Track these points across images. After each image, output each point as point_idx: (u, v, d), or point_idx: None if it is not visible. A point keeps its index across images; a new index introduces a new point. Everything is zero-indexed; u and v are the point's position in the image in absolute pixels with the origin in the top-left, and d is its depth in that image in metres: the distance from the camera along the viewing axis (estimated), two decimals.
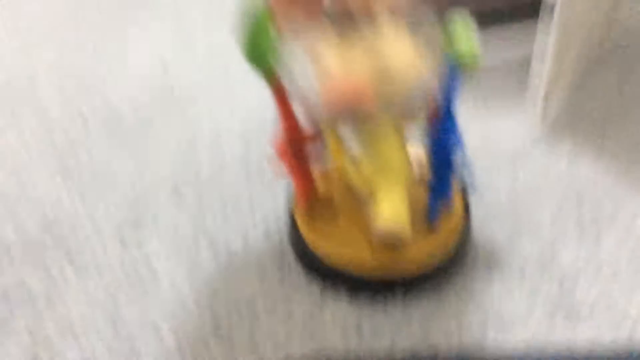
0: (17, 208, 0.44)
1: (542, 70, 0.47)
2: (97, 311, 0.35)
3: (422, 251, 0.34)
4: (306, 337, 0.32)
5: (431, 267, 0.34)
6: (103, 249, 0.40)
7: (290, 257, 0.38)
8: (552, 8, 0.44)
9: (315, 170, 0.36)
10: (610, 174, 0.45)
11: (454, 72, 0.30)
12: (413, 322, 0.33)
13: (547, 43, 0.46)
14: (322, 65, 0.27)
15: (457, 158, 0.33)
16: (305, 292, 0.36)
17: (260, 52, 0.29)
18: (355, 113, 0.27)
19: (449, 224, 0.35)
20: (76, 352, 0.33)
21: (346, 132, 0.31)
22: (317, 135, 0.33)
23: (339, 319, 0.33)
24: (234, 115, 0.54)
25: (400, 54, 0.27)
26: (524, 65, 0.53)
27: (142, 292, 0.36)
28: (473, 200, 0.42)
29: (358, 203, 0.36)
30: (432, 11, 0.28)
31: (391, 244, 0.33)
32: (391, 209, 0.32)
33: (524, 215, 0.41)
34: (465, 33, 0.29)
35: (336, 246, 0.34)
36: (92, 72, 0.64)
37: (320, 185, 0.37)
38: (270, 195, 0.44)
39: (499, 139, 0.50)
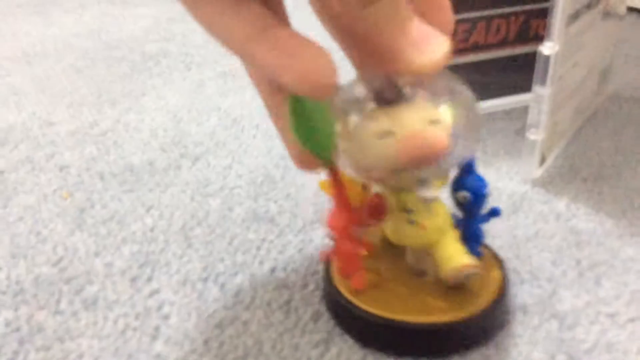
0: (34, 254, 0.45)
1: (538, 119, 0.49)
2: (106, 344, 0.36)
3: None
4: None
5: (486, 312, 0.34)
6: (113, 287, 0.41)
7: (297, 300, 0.39)
8: (547, 60, 0.46)
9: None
10: (609, 218, 0.46)
11: None
12: None
13: (543, 95, 0.47)
14: (379, 126, 0.29)
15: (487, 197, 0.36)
16: (311, 331, 0.36)
17: (318, 138, 0.29)
18: (436, 158, 0.28)
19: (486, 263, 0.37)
20: None
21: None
22: (378, 204, 0.34)
23: (344, 358, 0.34)
24: (243, 170, 0.56)
25: (445, 114, 0.30)
26: (522, 113, 0.55)
27: (150, 327, 0.37)
28: None
29: (399, 254, 0.38)
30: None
31: (457, 284, 0.35)
32: (461, 253, 0.34)
33: (524, 259, 0.41)
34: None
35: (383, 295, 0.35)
36: (108, 131, 0.67)
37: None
38: (281, 244, 0.45)
39: (498, 184, 0.51)
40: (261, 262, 0.43)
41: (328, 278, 0.37)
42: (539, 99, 0.49)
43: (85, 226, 0.48)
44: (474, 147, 0.32)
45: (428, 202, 0.31)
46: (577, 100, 0.57)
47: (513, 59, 0.63)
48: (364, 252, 0.37)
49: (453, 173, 0.36)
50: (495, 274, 0.37)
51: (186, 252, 0.44)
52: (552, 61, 0.47)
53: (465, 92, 0.31)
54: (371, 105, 0.30)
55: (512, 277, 0.40)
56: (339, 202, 0.34)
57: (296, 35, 0.26)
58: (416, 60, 0.26)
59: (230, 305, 0.39)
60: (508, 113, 0.64)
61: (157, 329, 0.37)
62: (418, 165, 0.29)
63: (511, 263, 0.41)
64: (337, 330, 0.36)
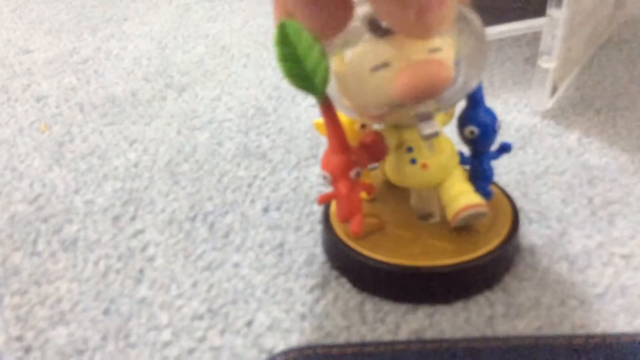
0: (9, 191, 0.42)
1: (552, 46, 0.45)
2: (86, 288, 0.33)
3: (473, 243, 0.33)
4: (307, 324, 0.31)
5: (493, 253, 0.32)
6: (94, 226, 0.38)
7: (291, 242, 0.36)
8: None
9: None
10: (623, 153, 0.43)
11: None
12: (418, 306, 0.32)
13: (557, 19, 0.44)
14: (376, 59, 0.26)
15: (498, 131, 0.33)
16: (306, 275, 0.34)
17: (304, 73, 0.26)
18: (438, 88, 0.25)
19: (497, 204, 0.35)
20: (63, 330, 0.31)
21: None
22: (378, 142, 0.31)
23: (341, 303, 0.32)
24: (233, 102, 0.52)
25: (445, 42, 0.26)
26: (533, 40, 0.51)
27: (134, 270, 0.34)
28: None
29: (403, 198, 0.35)
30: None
31: (464, 225, 0.33)
32: (469, 193, 0.31)
33: (533, 197, 0.39)
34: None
35: (391, 245, 0.33)
36: (89, 59, 0.62)
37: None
38: (273, 181, 0.42)
39: (507, 117, 0.48)
40: (252, 201, 0.40)
41: (326, 222, 0.35)
42: (553, 22, 0.45)
43: (64, 161, 0.45)
44: (480, 77, 0.29)
45: (430, 139, 0.28)
46: (591, 25, 0.53)
47: None
48: (362, 195, 0.34)
49: (459, 107, 0.33)
50: (505, 214, 0.34)
51: (172, 189, 0.41)
52: None
53: (471, 16, 0.27)
54: (366, 36, 0.26)
55: (520, 217, 0.37)
56: (333, 142, 0.30)
57: None
58: None
59: (220, 246, 0.36)
60: (517, 40, 0.60)
61: (141, 271, 0.35)
62: (418, 98, 0.25)
63: (519, 202, 0.38)
64: (334, 274, 0.34)
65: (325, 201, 0.32)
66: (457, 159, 0.32)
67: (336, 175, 0.31)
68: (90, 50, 0.62)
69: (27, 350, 0.30)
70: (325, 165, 0.31)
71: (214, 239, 0.37)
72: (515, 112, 0.48)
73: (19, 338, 0.31)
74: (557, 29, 0.45)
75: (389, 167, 0.33)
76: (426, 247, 0.32)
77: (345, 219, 0.33)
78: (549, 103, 0.48)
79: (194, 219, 0.38)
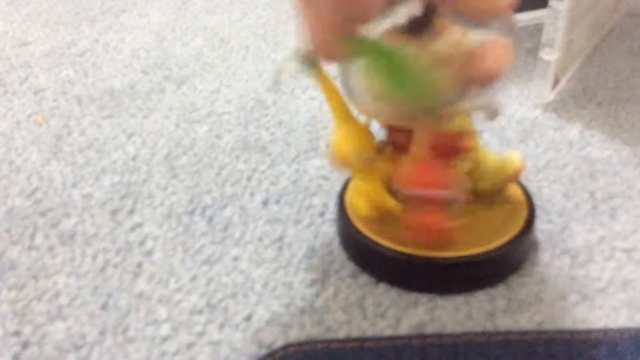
0: (6, 185, 0.42)
1: (553, 37, 0.44)
2: (84, 283, 0.33)
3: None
4: (307, 319, 0.31)
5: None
6: (92, 220, 0.38)
7: (291, 235, 0.36)
8: None
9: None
10: (625, 146, 0.42)
11: None
12: (419, 301, 0.31)
13: (559, 10, 0.43)
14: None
15: None
16: (305, 269, 0.34)
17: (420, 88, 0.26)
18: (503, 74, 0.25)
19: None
20: (61, 325, 0.31)
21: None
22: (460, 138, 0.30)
23: (341, 298, 0.32)
24: (232, 95, 0.52)
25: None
26: (535, 32, 0.51)
27: (132, 264, 0.34)
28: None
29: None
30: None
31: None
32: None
33: (534, 191, 0.38)
34: None
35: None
36: (86, 52, 0.62)
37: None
38: (273, 174, 0.42)
39: (508, 110, 0.47)
40: (252, 194, 0.40)
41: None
42: (555, 14, 0.44)
43: (61, 154, 0.44)
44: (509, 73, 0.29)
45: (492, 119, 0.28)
46: (593, 16, 0.52)
47: None
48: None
49: None
50: (521, 211, 0.34)
51: (171, 182, 0.41)
52: None
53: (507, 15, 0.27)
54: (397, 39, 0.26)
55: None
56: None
57: None
58: None
59: (219, 240, 0.36)
60: (519, 32, 0.59)
61: (139, 265, 0.34)
62: (499, 74, 0.25)
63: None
64: (334, 268, 0.33)
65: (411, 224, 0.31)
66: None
67: (426, 186, 0.29)
68: (88, 42, 0.62)
69: (25, 345, 0.30)
70: (411, 180, 0.30)
71: (213, 233, 0.36)
72: (516, 104, 0.48)
73: (16, 333, 0.30)
74: (559, 20, 0.44)
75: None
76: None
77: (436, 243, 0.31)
78: (551, 95, 0.48)
79: (192, 212, 0.38)
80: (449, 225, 0.31)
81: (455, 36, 0.26)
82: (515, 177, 0.34)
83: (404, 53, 0.25)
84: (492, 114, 0.28)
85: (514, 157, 0.34)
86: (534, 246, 0.34)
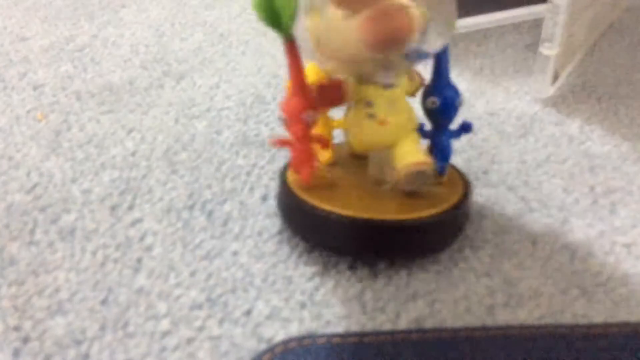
0: (6, 180, 0.42)
1: (553, 32, 0.44)
2: (84, 278, 0.33)
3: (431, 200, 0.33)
4: (307, 313, 0.31)
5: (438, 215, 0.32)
6: (91, 215, 0.38)
7: (290, 230, 0.36)
8: None
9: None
10: (625, 141, 0.43)
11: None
12: (418, 295, 0.31)
13: (559, 5, 0.43)
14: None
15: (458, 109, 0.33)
16: (305, 263, 0.34)
17: (274, 10, 0.27)
18: (403, 38, 0.25)
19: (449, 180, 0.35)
20: (61, 320, 0.31)
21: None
22: (337, 84, 0.31)
23: (341, 292, 0.32)
24: (231, 90, 0.52)
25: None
26: (534, 27, 0.51)
27: (132, 259, 0.34)
28: (482, 173, 0.40)
29: (363, 166, 0.35)
30: None
31: (410, 190, 0.32)
32: (417, 152, 0.32)
33: (534, 186, 0.39)
34: None
35: (344, 198, 0.33)
36: (85, 47, 0.62)
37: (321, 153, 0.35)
38: (272, 170, 0.42)
39: (507, 105, 0.47)
40: (251, 189, 0.40)
41: (282, 178, 0.35)
42: (555, 9, 0.44)
43: (61, 150, 0.44)
44: (447, 35, 0.29)
45: (388, 88, 0.29)
46: (593, 11, 0.52)
47: None
48: (317, 141, 0.34)
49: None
50: (457, 187, 0.34)
51: (170, 178, 0.41)
52: None
53: None
54: None
55: (521, 206, 0.37)
56: (294, 84, 0.31)
57: None
58: None
59: (218, 235, 0.36)
60: (518, 26, 0.59)
61: (139, 260, 0.34)
62: (383, 46, 0.26)
63: (520, 191, 0.38)
64: (333, 262, 0.33)
65: (278, 144, 0.33)
66: (414, 123, 0.32)
67: (291, 116, 0.31)
68: (87, 37, 0.62)
69: (25, 340, 0.30)
70: (283, 106, 0.32)
71: (212, 228, 0.36)
72: (516, 99, 0.48)
73: (17, 328, 0.30)
74: (558, 15, 0.44)
75: (349, 122, 0.33)
76: (376, 203, 0.32)
77: (298, 167, 0.33)
78: (550, 90, 0.48)
79: (192, 207, 0.38)
80: (306, 145, 0.32)
81: None
82: (400, 172, 0.32)
83: None
84: (384, 84, 0.29)
85: (412, 157, 0.32)
86: (531, 239, 0.34)
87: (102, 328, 0.30)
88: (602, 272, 0.32)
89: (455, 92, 0.33)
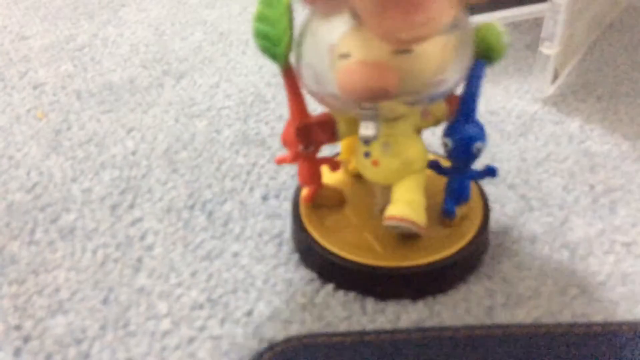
0: (6, 180, 0.42)
1: (553, 31, 0.44)
2: (85, 277, 0.33)
3: (437, 243, 0.32)
4: (307, 314, 0.31)
5: (447, 259, 0.31)
6: (92, 215, 0.38)
7: (291, 231, 0.36)
8: None
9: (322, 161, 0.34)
10: (625, 140, 0.43)
11: (479, 67, 0.28)
12: (418, 298, 0.31)
13: (560, 4, 0.43)
14: (342, 47, 0.25)
15: (477, 154, 0.30)
16: (305, 266, 0.34)
17: (273, 39, 0.28)
18: (376, 95, 0.24)
19: (467, 215, 0.33)
20: (62, 319, 0.31)
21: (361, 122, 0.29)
22: (329, 124, 0.31)
23: (341, 294, 0.32)
24: (231, 89, 0.52)
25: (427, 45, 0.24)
26: (534, 26, 0.51)
27: (133, 259, 0.34)
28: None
29: (368, 195, 0.34)
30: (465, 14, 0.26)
31: (403, 235, 0.32)
32: (400, 202, 0.30)
33: (534, 185, 0.39)
34: (493, 29, 0.28)
35: (345, 235, 0.33)
36: (85, 46, 0.62)
37: (328, 176, 0.36)
38: (273, 169, 0.42)
39: (508, 104, 0.47)
40: (252, 189, 0.40)
41: (299, 225, 0.34)
42: (555, 8, 0.44)
43: (61, 149, 0.44)
44: (458, 83, 0.27)
45: (368, 142, 0.28)
46: (593, 11, 0.52)
47: None
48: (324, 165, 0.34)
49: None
50: (477, 211, 0.33)
51: (171, 177, 0.41)
52: None
53: (464, 22, 0.26)
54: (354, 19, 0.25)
55: (521, 205, 0.37)
56: (292, 111, 0.31)
57: None
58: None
59: (219, 235, 0.36)
60: (518, 26, 0.59)
61: (139, 260, 0.34)
62: (358, 100, 0.25)
63: (520, 189, 0.38)
64: None
65: (280, 162, 0.34)
66: (418, 165, 0.30)
67: (285, 143, 0.32)
68: (87, 37, 0.62)
69: (26, 339, 0.30)
70: (283, 133, 0.32)
71: (213, 228, 0.36)
72: (516, 98, 0.48)
73: (18, 327, 0.31)
74: (559, 14, 0.44)
75: (355, 158, 0.32)
76: (402, 246, 0.32)
77: (301, 184, 0.34)
78: (550, 89, 0.48)
79: (192, 207, 0.38)
80: (306, 167, 0.33)
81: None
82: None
83: (283, 4, 0.27)
84: (361, 136, 0.27)
85: (393, 209, 0.30)
86: (531, 238, 0.34)
87: (103, 327, 0.30)
88: (601, 271, 0.32)
89: (474, 135, 0.30)
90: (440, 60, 0.25)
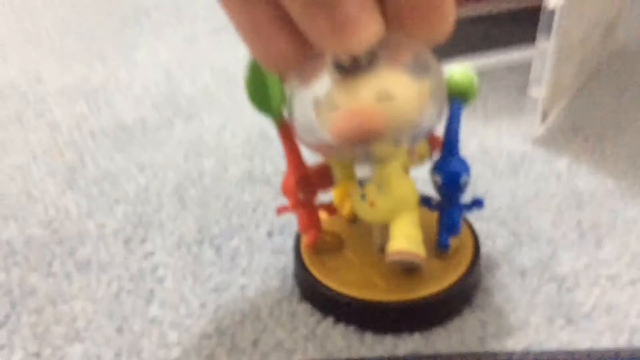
0: (24, 215, 0.44)
1: (541, 75, 0.47)
2: (100, 308, 0.35)
3: (434, 274, 0.34)
4: (310, 344, 0.32)
5: (443, 290, 0.33)
6: (106, 248, 0.40)
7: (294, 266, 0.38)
8: (552, 14, 0.44)
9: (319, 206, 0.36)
10: (611, 178, 0.45)
11: (456, 106, 0.32)
12: (415, 330, 0.33)
13: (548, 48, 0.46)
14: (330, 101, 0.27)
15: (464, 186, 0.33)
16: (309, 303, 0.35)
17: (265, 96, 0.30)
18: (367, 136, 0.26)
19: (458, 249, 0.35)
20: (79, 347, 0.33)
21: (354, 166, 0.30)
22: (325, 172, 0.34)
23: (341, 326, 0.33)
24: (238, 129, 0.55)
25: (404, 89, 0.26)
26: (526, 68, 0.54)
27: (145, 290, 0.36)
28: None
29: (366, 235, 0.36)
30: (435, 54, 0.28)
31: (405, 268, 0.34)
32: (402, 237, 0.32)
33: (524, 220, 0.41)
34: (465, 73, 0.31)
35: (346, 274, 0.34)
36: (99, 88, 0.65)
37: (325, 220, 0.37)
38: (276, 206, 0.44)
39: (499, 143, 0.50)
40: (257, 225, 0.42)
41: (300, 262, 0.36)
42: (542, 53, 0.47)
43: (76, 186, 0.47)
44: (436, 123, 0.29)
45: (363, 182, 0.30)
46: (580, 55, 0.55)
47: (516, 11, 0.61)
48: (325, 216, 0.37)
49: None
50: (467, 245, 0.35)
51: (180, 213, 0.43)
52: (557, 14, 0.45)
53: (431, 62, 0.28)
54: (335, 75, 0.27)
55: (511, 240, 0.39)
56: (289, 163, 0.33)
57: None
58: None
59: (227, 269, 0.38)
60: (511, 70, 0.62)
61: (151, 291, 0.36)
62: (352, 144, 0.26)
63: (511, 225, 0.40)
64: None
65: (283, 211, 0.36)
66: (411, 202, 0.33)
67: (286, 193, 0.34)
68: (101, 78, 0.65)
69: None
70: (283, 183, 0.34)
71: (221, 262, 0.39)
72: (507, 138, 0.51)
73: (37, 355, 0.32)
74: (546, 59, 0.47)
75: (352, 200, 0.34)
76: (395, 281, 0.33)
77: (302, 231, 0.36)
78: (540, 130, 0.50)
79: (201, 242, 0.40)
80: (305, 214, 0.34)
81: (366, 91, 0.26)
82: (387, 257, 0.32)
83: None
84: (359, 178, 0.29)
85: (394, 244, 0.32)
86: (521, 272, 0.36)
87: (117, 355, 0.32)
88: (587, 303, 0.34)
89: (460, 169, 0.32)
90: (417, 102, 0.26)
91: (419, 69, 0.27)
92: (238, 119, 0.56)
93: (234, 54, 0.70)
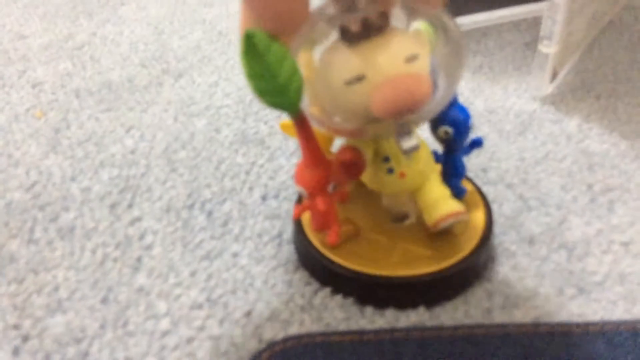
0: (5, 178, 0.42)
1: (552, 30, 0.44)
2: (84, 276, 0.33)
3: (443, 251, 0.32)
4: (306, 316, 0.31)
5: (452, 267, 0.31)
6: (91, 214, 0.38)
7: (290, 232, 0.36)
8: None
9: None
10: (623, 139, 0.43)
11: None
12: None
13: (558, 3, 0.43)
14: (348, 70, 0.25)
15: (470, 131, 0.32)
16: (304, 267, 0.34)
17: (277, 87, 0.24)
18: (417, 106, 0.24)
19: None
20: (61, 318, 0.31)
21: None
22: (353, 157, 0.30)
23: (339, 296, 0.32)
24: (230, 88, 0.52)
25: (420, 44, 0.25)
26: (533, 24, 0.51)
27: (132, 258, 0.34)
28: (481, 171, 0.40)
29: (365, 211, 0.34)
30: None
31: (443, 231, 0.32)
32: (448, 200, 0.31)
33: (532, 184, 0.39)
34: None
35: (351, 246, 0.32)
36: (84, 45, 0.62)
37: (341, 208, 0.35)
38: (271, 168, 0.42)
39: (506, 102, 0.47)
40: (251, 189, 0.40)
41: (301, 232, 0.33)
42: (554, 6, 0.44)
43: (60, 148, 0.44)
44: (458, 84, 0.28)
45: (410, 153, 0.27)
46: (592, 9, 0.52)
47: None
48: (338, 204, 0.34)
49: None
50: (479, 214, 0.33)
51: (170, 176, 0.41)
52: None
53: (449, 22, 0.26)
54: (336, 41, 0.25)
55: (519, 205, 0.37)
56: (308, 156, 0.29)
57: None
58: None
59: (218, 235, 0.36)
60: (517, 25, 0.59)
61: (139, 259, 0.34)
62: (399, 115, 0.24)
63: (518, 189, 0.38)
64: None
65: (301, 214, 0.32)
66: (433, 162, 0.32)
67: (312, 190, 0.30)
68: (86, 35, 0.62)
69: (25, 338, 0.30)
70: (299, 179, 0.30)
71: (212, 228, 0.36)
72: (514, 97, 0.48)
73: (16, 326, 0.31)
74: (557, 13, 0.44)
75: (366, 176, 0.32)
76: (404, 254, 0.31)
77: (321, 230, 0.32)
78: (549, 88, 0.48)
79: (191, 206, 0.38)
80: (330, 210, 0.31)
81: (393, 55, 0.24)
82: (432, 228, 0.32)
83: (278, 49, 0.23)
84: (406, 149, 0.27)
85: (443, 208, 0.31)
86: (529, 239, 0.34)
87: (102, 326, 0.30)
88: (599, 271, 0.32)
89: (466, 116, 0.31)
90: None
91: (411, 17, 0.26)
92: (230, 77, 0.53)
93: (225, 9, 0.67)
